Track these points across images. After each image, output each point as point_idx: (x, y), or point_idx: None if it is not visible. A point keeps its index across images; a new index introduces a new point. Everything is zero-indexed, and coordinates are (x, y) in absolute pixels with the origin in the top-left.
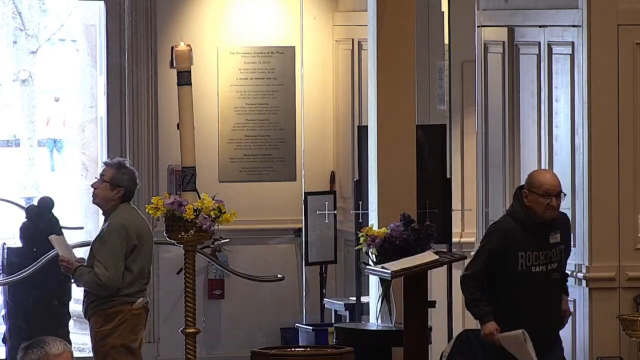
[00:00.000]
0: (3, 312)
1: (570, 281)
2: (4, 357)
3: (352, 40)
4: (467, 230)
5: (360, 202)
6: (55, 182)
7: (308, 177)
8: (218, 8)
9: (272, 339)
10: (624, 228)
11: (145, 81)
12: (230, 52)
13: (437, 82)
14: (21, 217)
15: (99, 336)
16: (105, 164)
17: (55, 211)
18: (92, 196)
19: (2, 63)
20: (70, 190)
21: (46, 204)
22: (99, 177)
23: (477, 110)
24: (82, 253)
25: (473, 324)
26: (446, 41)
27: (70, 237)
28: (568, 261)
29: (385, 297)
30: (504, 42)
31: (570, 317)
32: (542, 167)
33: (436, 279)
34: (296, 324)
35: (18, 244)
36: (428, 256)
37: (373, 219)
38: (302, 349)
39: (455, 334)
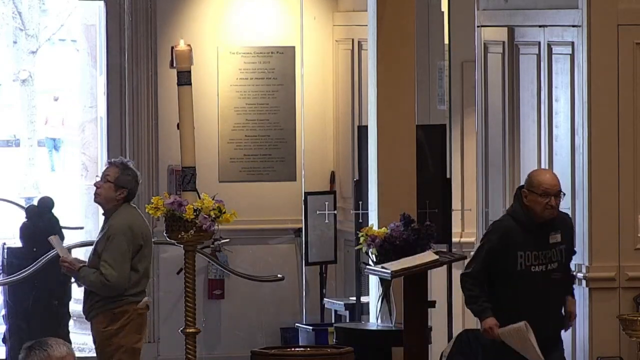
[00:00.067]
0: (3, 312)
1: None
2: (4, 357)
3: (352, 40)
4: (467, 230)
5: (360, 202)
6: (55, 182)
7: (308, 177)
8: (218, 8)
9: (272, 339)
10: (624, 228)
11: (145, 81)
12: (230, 52)
13: (437, 82)
14: (21, 217)
15: (105, 336)
16: (110, 163)
17: (55, 211)
18: (95, 195)
19: (2, 63)
20: (70, 190)
21: (46, 204)
22: (101, 176)
23: (477, 110)
24: (82, 253)
25: (473, 323)
26: (446, 41)
27: (71, 237)
28: None
29: (385, 297)
30: (504, 42)
31: None
32: (542, 167)
33: (436, 279)
34: (296, 324)
35: (18, 244)
36: (428, 256)
37: (373, 219)
38: (302, 349)
39: (455, 334)
